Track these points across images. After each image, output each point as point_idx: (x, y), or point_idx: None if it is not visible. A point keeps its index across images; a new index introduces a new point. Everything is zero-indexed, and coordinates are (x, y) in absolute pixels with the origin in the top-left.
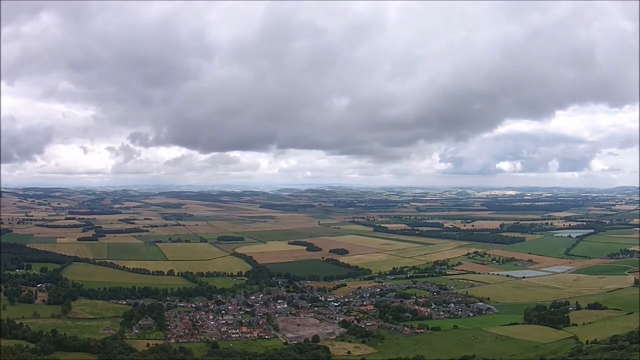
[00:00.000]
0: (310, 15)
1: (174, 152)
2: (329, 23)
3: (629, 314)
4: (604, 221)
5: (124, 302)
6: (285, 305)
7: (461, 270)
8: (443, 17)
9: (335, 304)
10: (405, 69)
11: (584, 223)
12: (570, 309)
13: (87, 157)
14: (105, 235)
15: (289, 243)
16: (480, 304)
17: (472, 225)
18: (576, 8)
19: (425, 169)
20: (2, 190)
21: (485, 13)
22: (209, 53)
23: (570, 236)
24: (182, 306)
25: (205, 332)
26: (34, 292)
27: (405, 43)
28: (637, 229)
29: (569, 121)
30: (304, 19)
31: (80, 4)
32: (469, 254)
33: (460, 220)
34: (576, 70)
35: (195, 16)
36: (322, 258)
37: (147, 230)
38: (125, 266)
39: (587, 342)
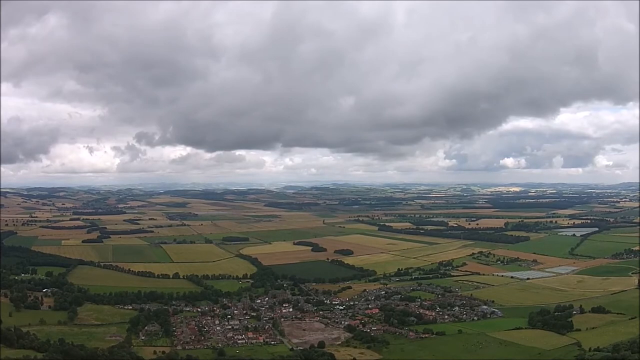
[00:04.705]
0: (318, 18)
1: (180, 151)
2: (336, 25)
3: (631, 318)
4: (608, 219)
5: (130, 307)
6: (291, 309)
7: (466, 271)
8: (449, 18)
9: (341, 307)
10: (411, 70)
11: (589, 221)
12: (574, 312)
13: (93, 156)
14: (110, 237)
15: (294, 243)
16: (485, 307)
17: (477, 224)
18: (580, 8)
19: (430, 166)
20: (6, 190)
21: (490, 13)
22: (216, 54)
23: (574, 235)
24: (188, 310)
25: (211, 338)
26: (39, 298)
27: (411, 44)
28: (639, 227)
29: (573, 118)
30: (312, 21)
31: (87, 5)
32: (473, 254)
33: (465, 219)
34: (580, 69)
35: (202, 17)
36: (327, 259)
37: (152, 231)
38: (131, 269)
39: (590, 349)
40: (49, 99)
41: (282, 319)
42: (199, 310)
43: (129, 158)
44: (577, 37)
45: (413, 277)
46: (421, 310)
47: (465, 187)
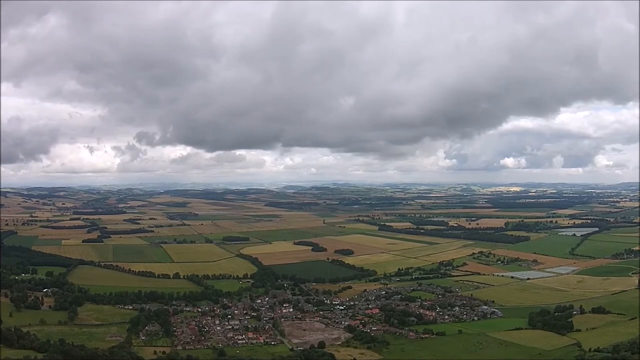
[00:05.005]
0: (318, 18)
1: (180, 151)
2: (336, 25)
3: (632, 319)
4: (608, 219)
5: (130, 307)
6: (291, 309)
7: (466, 271)
8: (449, 18)
9: (341, 307)
10: (411, 70)
11: (589, 221)
12: (574, 312)
13: (93, 156)
14: (110, 237)
15: (294, 243)
16: (485, 307)
17: (477, 224)
18: (580, 8)
19: (430, 166)
20: (7, 190)
21: (490, 13)
22: (216, 54)
23: (575, 235)
24: (189, 310)
25: (211, 338)
26: (40, 298)
27: (411, 44)
28: (639, 227)
29: (573, 118)
30: (312, 21)
31: (87, 5)
32: (473, 253)
33: (465, 218)
34: (580, 69)
35: (202, 17)
36: (328, 259)
37: (152, 231)
38: (131, 269)
39: (590, 349)
40: (49, 99)
41: (283, 319)
42: (199, 310)
43: (129, 158)
44: (577, 37)
45: (413, 277)
46: (421, 311)
47: (465, 186)
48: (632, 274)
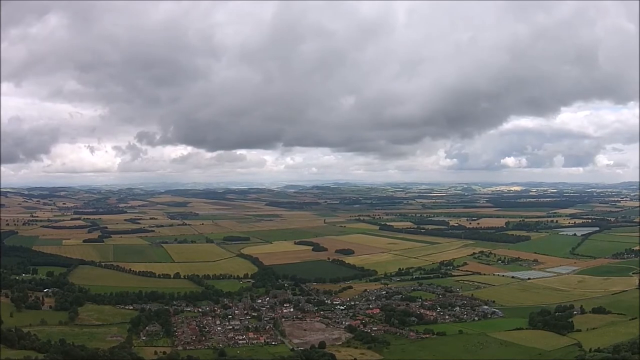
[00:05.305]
0: (318, 18)
1: (180, 150)
2: (337, 25)
3: (632, 319)
4: (609, 218)
5: (131, 307)
6: (292, 309)
7: (467, 270)
8: (449, 18)
9: (342, 307)
10: (411, 69)
11: (589, 220)
12: (575, 312)
13: (94, 156)
14: (110, 237)
15: (295, 243)
16: (486, 307)
17: (478, 223)
18: (580, 8)
19: (431, 165)
20: (7, 190)
21: (490, 13)
22: (217, 54)
23: (575, 234)
24: (189, 311)
25: (212, 338)
26: (40, 298)
27: (411, 44)
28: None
29: (573, 117)
30: (312, 21)
31: (87, 5)
32: (474, 253)
33: (465, 218)
34: (580, 68)
35: (202, 17)
36: (328, 258)
37: (153, 231)
38: (132, 269)
39: (590, 349)
40: (49, 99)
41: (283, 319)
42: (200, 310)
43: (129, 158)
44: (578, 37)
45: (414, 277)
46: (422, 311)
47: (466, 186)
48: (633, 273)
